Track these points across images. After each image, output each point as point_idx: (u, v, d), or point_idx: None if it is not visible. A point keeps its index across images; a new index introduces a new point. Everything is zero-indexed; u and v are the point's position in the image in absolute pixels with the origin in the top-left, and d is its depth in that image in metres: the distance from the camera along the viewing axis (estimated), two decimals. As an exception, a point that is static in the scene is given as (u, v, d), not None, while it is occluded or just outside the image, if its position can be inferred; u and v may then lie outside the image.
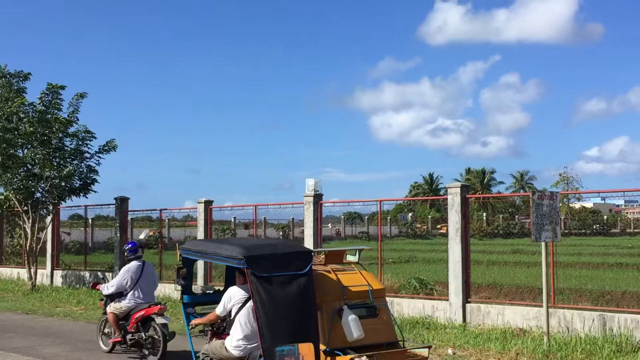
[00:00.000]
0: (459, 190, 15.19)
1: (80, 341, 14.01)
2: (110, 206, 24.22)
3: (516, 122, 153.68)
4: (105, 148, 23.37)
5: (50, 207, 24.16)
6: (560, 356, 11.13)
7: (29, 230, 23.59)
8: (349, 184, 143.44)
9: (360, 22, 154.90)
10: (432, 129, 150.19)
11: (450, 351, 11.96)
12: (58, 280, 25.26)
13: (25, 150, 22.78)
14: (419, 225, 67.18)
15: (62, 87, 22.92)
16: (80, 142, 23.17)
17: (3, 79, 23.16)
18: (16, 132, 22.30)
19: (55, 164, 22.67)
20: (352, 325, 7.15)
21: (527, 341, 12.16)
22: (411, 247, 43.03)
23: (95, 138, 23.39)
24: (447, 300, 14.98)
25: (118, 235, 23.42)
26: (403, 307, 15.63)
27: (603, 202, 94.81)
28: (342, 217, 62.01)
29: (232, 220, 54.96)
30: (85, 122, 26.72)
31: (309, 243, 17.73)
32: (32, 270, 23.62)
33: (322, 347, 7.05)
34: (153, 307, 11.66)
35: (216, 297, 8.75)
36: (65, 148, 23.11)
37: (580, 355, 11.07)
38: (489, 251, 35.71)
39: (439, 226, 63.31)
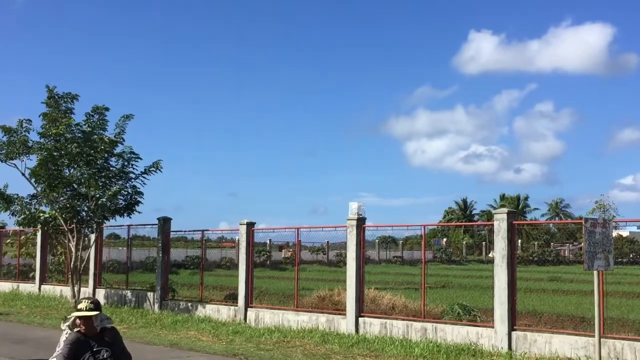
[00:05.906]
0: (505, 216, 14.73)
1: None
2: (151, 226, 24.07)
3: (550, 150, 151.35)
4: (151, 168, 23.32)
5: (95, 226, 24.14)
6: (616, 389, 10.59)
7: (73, 249, 23.56)
8: (383, 208, 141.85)
9: (396, 52, 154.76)
10: (466, 155, 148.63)
11: (498, 380, 11.47)
12: (100, 298, 25.11)
13: (72, 170, 22.84)
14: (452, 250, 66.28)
15: (107, 109, 23.05)
16: (125, 163, 23.16)
17: (51, 100, 23.28)
18: (62, 152, 22.38)
19: (100, 184, 22.68)
20: None
21: (579, 372, 11.63)
22: (446, 272, 42.37)
23: (140, 159, 23.33)
24: (492, 327, 14.48)
25: (161, 254, 23.26)
26: (447, 334, 15.15)
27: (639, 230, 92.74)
28: (377, 241, 61.48)
29: (268, 242, 54.95)
30: (131, 144, 26.70)
31: (351, 266, 17.41)
32: (76, 289, 23.51)
33: None
34: None
35: None
36: (111, 168, 23.14)
37: (637, 389, 10.52)
38: (525, 278, 34.84)
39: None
